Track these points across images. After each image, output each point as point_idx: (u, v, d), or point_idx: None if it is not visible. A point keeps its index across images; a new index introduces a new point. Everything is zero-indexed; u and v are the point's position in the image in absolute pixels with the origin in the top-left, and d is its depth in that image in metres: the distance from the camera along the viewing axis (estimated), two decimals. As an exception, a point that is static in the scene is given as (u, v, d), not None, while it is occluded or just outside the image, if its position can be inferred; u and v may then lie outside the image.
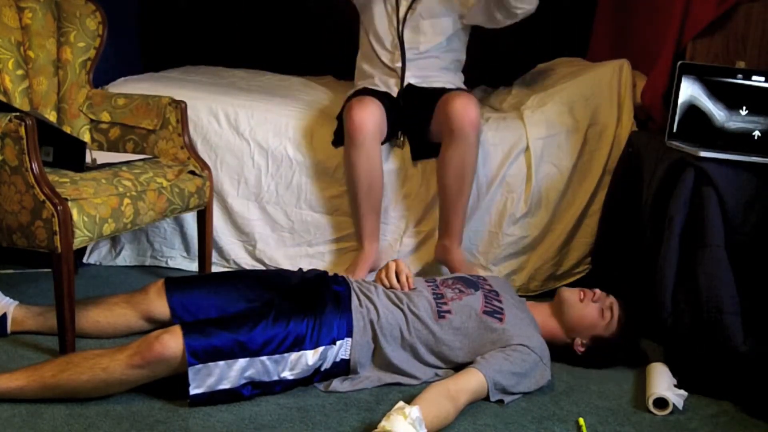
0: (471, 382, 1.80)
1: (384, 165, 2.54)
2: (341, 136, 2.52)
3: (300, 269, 2.21)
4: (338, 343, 1.86)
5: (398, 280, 2.03)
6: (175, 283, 2.03)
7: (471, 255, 2.65)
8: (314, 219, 2.66)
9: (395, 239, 2.66)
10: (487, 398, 1.83)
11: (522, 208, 2.61)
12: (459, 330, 1.93)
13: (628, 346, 2.09)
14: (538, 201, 2.62)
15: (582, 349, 2.04)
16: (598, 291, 2.07)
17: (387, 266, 2.07)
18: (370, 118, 2.41)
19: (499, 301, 2.01)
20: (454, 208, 2.49)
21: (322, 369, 1.85)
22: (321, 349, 1.83)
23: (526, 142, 2.60)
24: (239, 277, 2.13)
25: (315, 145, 2.62)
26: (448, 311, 1.95)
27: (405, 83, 2.60)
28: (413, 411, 1.58)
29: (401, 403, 1.62)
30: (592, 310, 2.02)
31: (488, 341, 1.91)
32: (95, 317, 2.04)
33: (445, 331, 1.93)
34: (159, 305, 2.00)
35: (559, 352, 2.06)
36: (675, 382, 1.92)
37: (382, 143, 2.53)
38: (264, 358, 1.76)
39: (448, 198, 2.48)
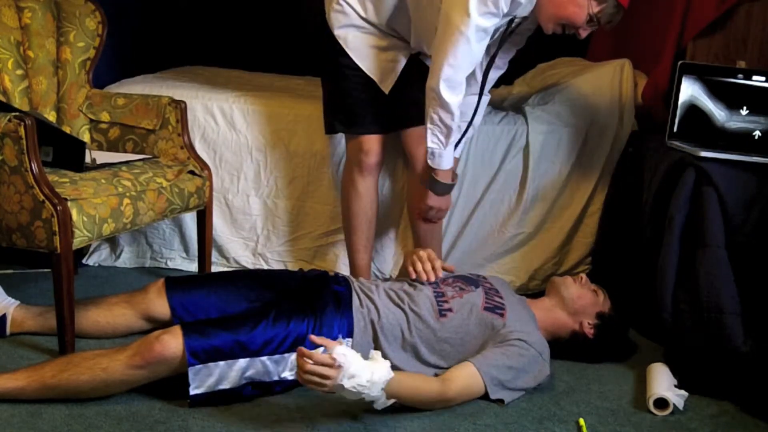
0: (462, 372, 1.81)
1: None
2: (331, 124, 2.41)
3: (300, 269, 2.21)
4: (338, 343, 1.86)
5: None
6: (176, 283, 2.03)
7: (468, 251, 2.65)
8: (314, 210, 2.66)
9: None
10: (487, 396, 1.83)
11: (519, 203, 2.62)
12: (460, 327, 1.93)
13: (627, 328, 2.17)
14: (535, 197, 2.63)
15: (592, 331, 2.05)
16: (584, 276, 2.15)
17: (419, 256, 2.04)
18: (382, 155, 2.36)
19: (501, 298, 2.01)
20: (430, 230, 2.45)
21: (323, 369, 1.85)
22: (321, 349, 1.82)
23: (526, 138, 2.61)
24: (240, 277, 2.12)
25: (312, 135, 2.60)
26: (450, 309, 1.95)
27: None
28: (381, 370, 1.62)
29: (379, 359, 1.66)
30: (587, 290, 2.09)
31: (489, 338, 1.91)
32: (95, 317, 2.04)
33: (446, 329, 1.92)
34: (159, 305, 2.00)
35: (567, 346, 2.07)
36: (675, 382, 1.92)
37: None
38: (264, 358, 1.75)
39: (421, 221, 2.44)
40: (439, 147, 2.13)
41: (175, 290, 2.01)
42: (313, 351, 1.59)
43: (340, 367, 1.57)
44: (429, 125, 2.12)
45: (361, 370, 1.58)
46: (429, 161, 2.18)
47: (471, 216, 2.63)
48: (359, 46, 2.27)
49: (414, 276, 2.02)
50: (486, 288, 2.04)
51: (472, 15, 1.96)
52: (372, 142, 2.32)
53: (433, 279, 1.99)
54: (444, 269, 2.06)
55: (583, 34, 2.10)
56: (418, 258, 2.04)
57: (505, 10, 2.02)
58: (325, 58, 2.36)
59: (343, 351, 1.58)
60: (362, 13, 2.25)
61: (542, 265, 2.67)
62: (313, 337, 1.64)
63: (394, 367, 1.89)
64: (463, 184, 2.60)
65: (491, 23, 2.02)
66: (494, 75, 2.34)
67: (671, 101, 2.20)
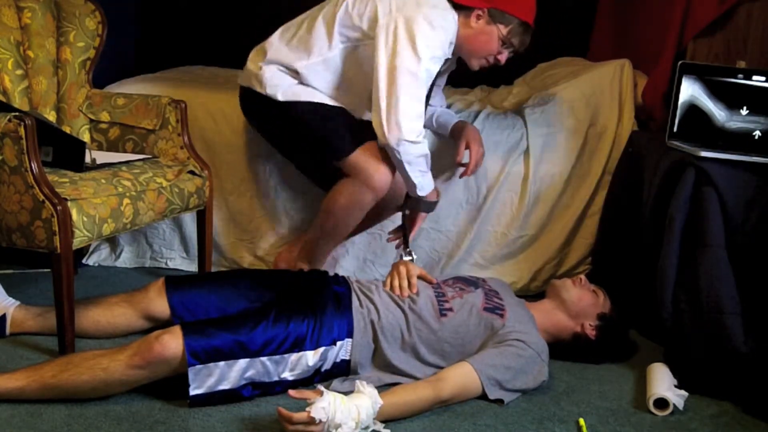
0: (458, 372, 1.81)
1: None
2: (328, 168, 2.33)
3: (300, 269, 2.21)
4: (338, 343, 1.86)
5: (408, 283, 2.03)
6: (176, 282, 2.03)
7: (471, 253, 2.65)
8: (314, 210, 2.64)
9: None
10: (486, 396, 1.83)
11: (521, 206, 2.61)
12: (460, 327, 1.93)
13: (628, 328, 2.18)
14: (536, 199, 2.62)
15: (594, 332, 2.05)
16: (583, 277, 2.15)
17: (398, 272, 2.05)
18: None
19: (500, 299, 2.01)
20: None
21: (323, 370, 1.85)
22: (321, 349, 1.82)
23: (526, 140, 2.60)
24: (240, 276, 2.12)
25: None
26: (450, 309, 1.95)
27: None
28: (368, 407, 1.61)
29: (363, 391, 1.64)
30: (587, 291, 2.10)
31: (489, 338, 1.91)
32: (95, 317, 2.04)
33: (446, 329, 1.92)
34: (159, 304, 2.00)
35: (569, 348, 2.08)
36: (675, 382, 1.92)
37: None
38: (264, 358, 1.75)
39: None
40: (422, 176, 2.16)
41: (176, 290, 2.01)
42: (293, 413, 1.58)
43: (321, 422, 1.56)
44: (407, 167, 2.11)
45: (347, 415, 1.58)
46: (420, 194, 2.19)
47: (474, 219, 2.62)
48: (311, 92, 2.24)
49: (388, 289, 2.02)
50: (486, 289, 2.04)
51: (423, 59, 2.05)
52: (383, 167, 2.19)
53: (406, 295, 1.98)
54: (426, 280, 2.06)
55: (502, 59, 2.25)
56: (397, 273, 2.05)
57: (449, 55, 2.17)
58: (288, 131, 2.30)
59: (322, 405, 1.56)
60: (291, 75, 2.25)
61: (543, 266, 2.66)
62: (292, 392, 1.64)
63: (394, 368, 1.90)
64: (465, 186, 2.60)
65: (437, 67, 2.13)
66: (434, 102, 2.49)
67: (671, 101, 2.20)
